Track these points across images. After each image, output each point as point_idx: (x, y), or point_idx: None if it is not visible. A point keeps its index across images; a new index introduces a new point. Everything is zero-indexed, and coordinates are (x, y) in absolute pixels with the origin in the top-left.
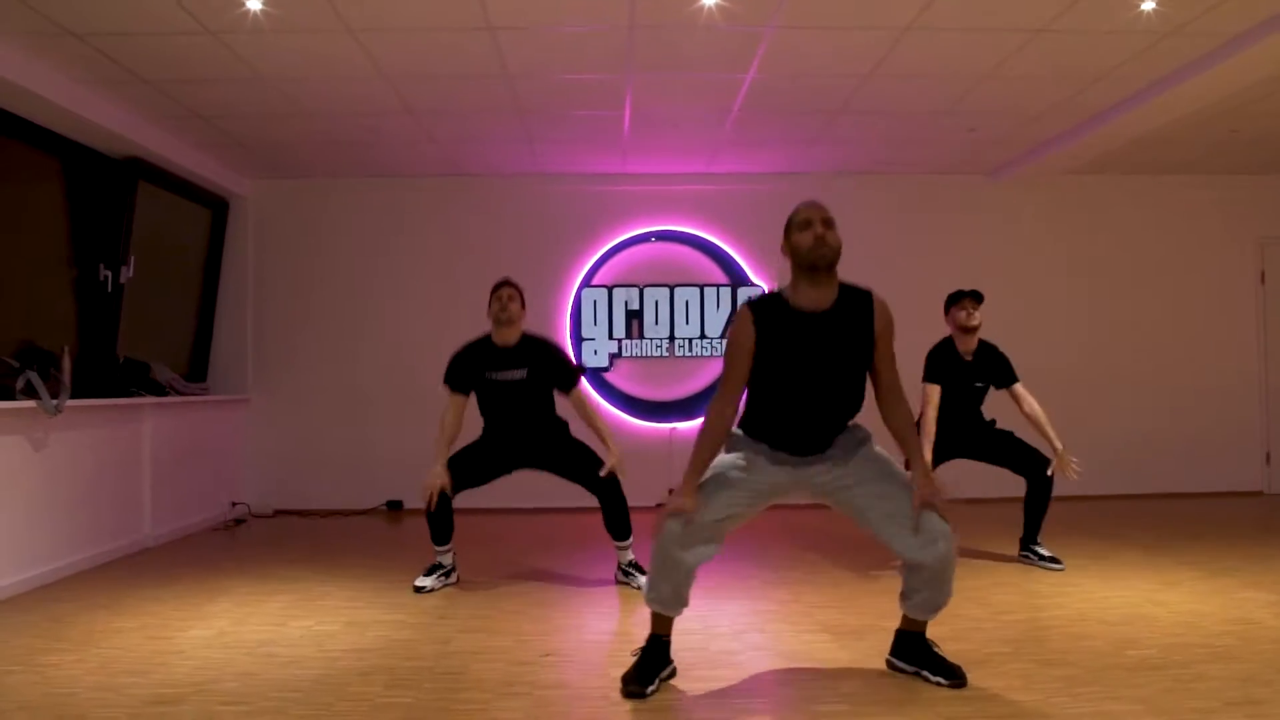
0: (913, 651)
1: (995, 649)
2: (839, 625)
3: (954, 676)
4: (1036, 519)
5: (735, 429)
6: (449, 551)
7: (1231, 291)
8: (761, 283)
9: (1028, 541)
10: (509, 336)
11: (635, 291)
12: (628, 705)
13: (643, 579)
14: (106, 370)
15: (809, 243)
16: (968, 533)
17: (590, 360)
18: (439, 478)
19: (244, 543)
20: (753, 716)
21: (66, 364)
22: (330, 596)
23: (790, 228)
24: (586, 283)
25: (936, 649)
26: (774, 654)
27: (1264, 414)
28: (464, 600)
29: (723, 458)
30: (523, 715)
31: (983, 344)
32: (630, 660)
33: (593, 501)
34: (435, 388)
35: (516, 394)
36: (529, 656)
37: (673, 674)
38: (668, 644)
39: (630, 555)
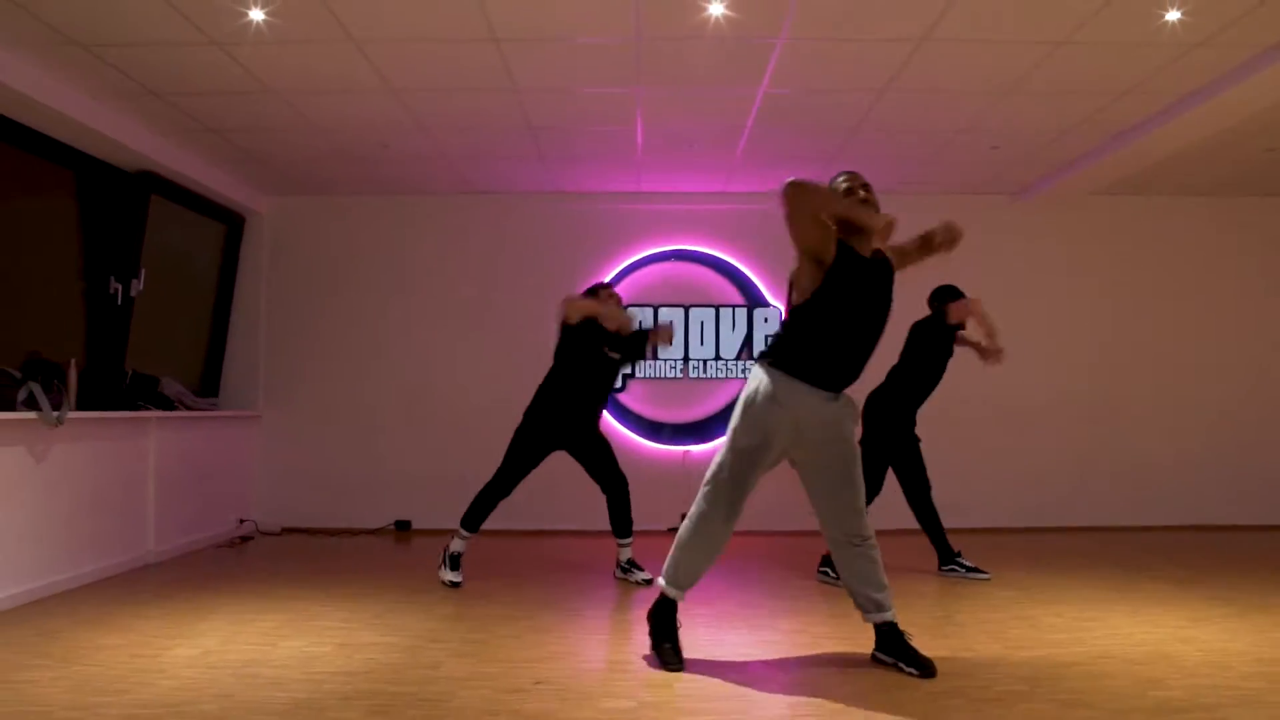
0: (889, 645)
1: (1010, 686)
2: (847, 657)
3: (924, 668)
4: (941, 533)
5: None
6: (468, 540)
7: (1270, 317)
8: (779, 304)
9: (948, 557)
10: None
11: (650, 311)
12: None
13: (641, 574)
14: (114, 383)
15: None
16: (976, 562)
17: None
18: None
19: (248, 561)
20: None
21: (71, 376)
22: (325, 617)
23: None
24: None
25: (908, 639)
26: (775, 685)
27: None
28: (459, 624)
29: (763, 420)
30: None
31: None
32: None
33: (592, 524)
34: (447, 406)
35: (610, 374)
36: (518, 684)
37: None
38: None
39: (629, 554)
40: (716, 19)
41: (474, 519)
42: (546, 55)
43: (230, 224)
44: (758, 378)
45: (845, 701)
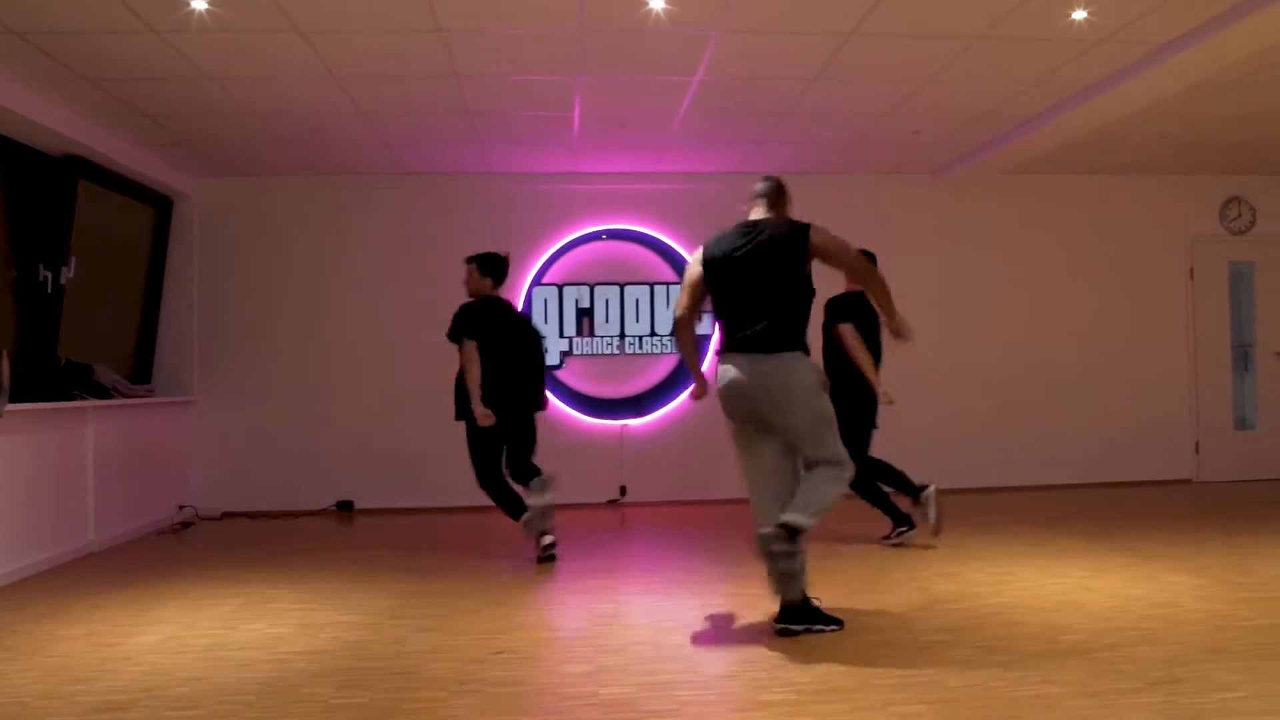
0: (798, 615)
1: (937, 636)
2: None
3: (837, 622)
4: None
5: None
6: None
7: (1163, 287)
8: None
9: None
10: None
11: (586, 290)
12: (578, 699)
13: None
14: (47, 373)
15: None
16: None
17: None
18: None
19: (192, 546)
20: (701, 708)
21: (5, 367)
22: (281, 599)
23: None
24: (537, 281)
25: (817, 603)
26: (723, 647)
27: (1193, 405)
28: (420, 601)
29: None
30: (474, 712)
31: None
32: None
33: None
34: (385, 385)
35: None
36: (482, 655)
37: (839, 626)
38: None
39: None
40: (657, 13)
41: (513, 507)
42: (490, 45)
43: (159, 207)
44: (806, 363)
45: (784, 653)
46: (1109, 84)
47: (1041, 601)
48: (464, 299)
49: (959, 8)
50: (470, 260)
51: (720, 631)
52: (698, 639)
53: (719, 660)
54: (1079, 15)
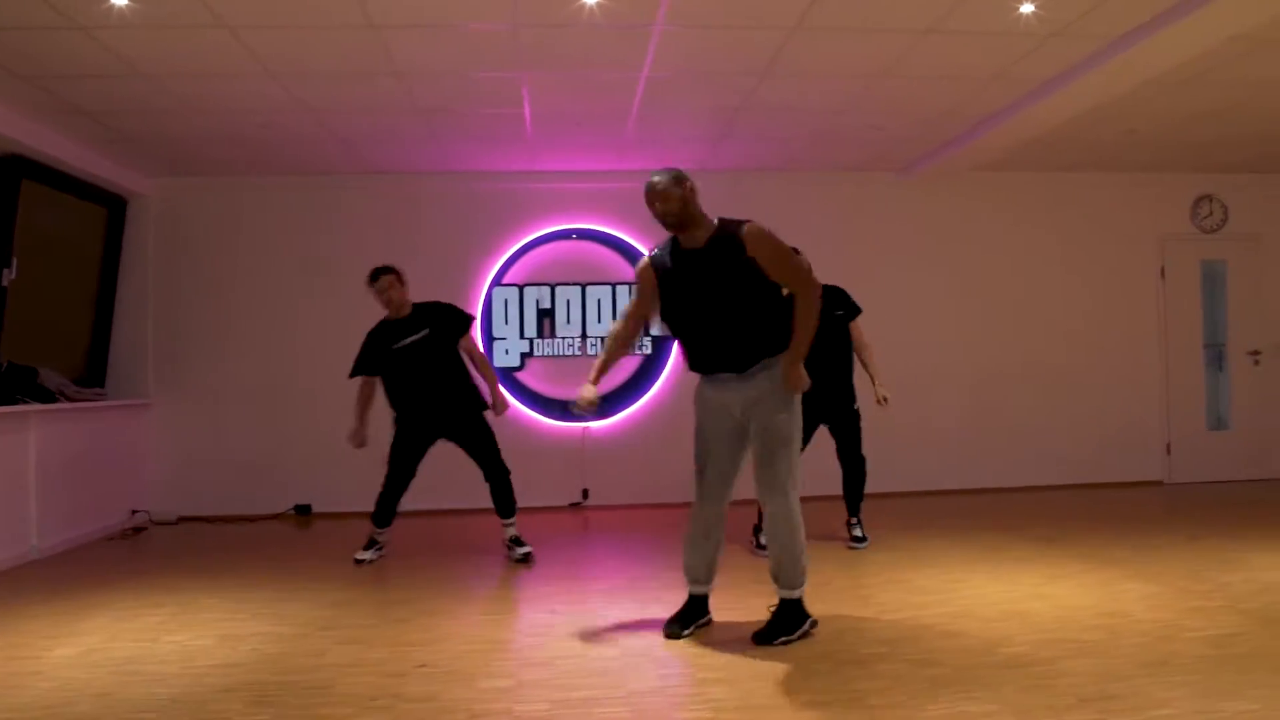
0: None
1: (872, 649)
2: (724, 626)
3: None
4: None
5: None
6: (386, 532)
7: (1134, 287)
8: None
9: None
10: (401, 311)
11: (547, 290)
12: (490, 717)
13: (520, 550)
14: None
15: (656, 215)
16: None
17: (501, 360)
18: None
19: (140, 552)
20: None
21: None
22: (214, 609)
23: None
24: (497, 281)
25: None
26: (651, 660)
27: (1164, 405)
28: (351, 610)
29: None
30: None
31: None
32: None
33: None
34: (344, 389)
35: (423, 356)
36: (403, 668)
37: (708, 623)
38: (704, 599)
39: (514, 530)
40: (590, 7)
41: (383, 516)
42: (426, 41)
43: (112, 207)
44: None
45: (715, 670)
46: (1065, 79)
47: (987, 611)
48: (424, 300)
49: (902, 1)
50: (391, 271)
51: (654, 643)
52: (628, 652)
53: (645, 674)
54: (1027, 9)
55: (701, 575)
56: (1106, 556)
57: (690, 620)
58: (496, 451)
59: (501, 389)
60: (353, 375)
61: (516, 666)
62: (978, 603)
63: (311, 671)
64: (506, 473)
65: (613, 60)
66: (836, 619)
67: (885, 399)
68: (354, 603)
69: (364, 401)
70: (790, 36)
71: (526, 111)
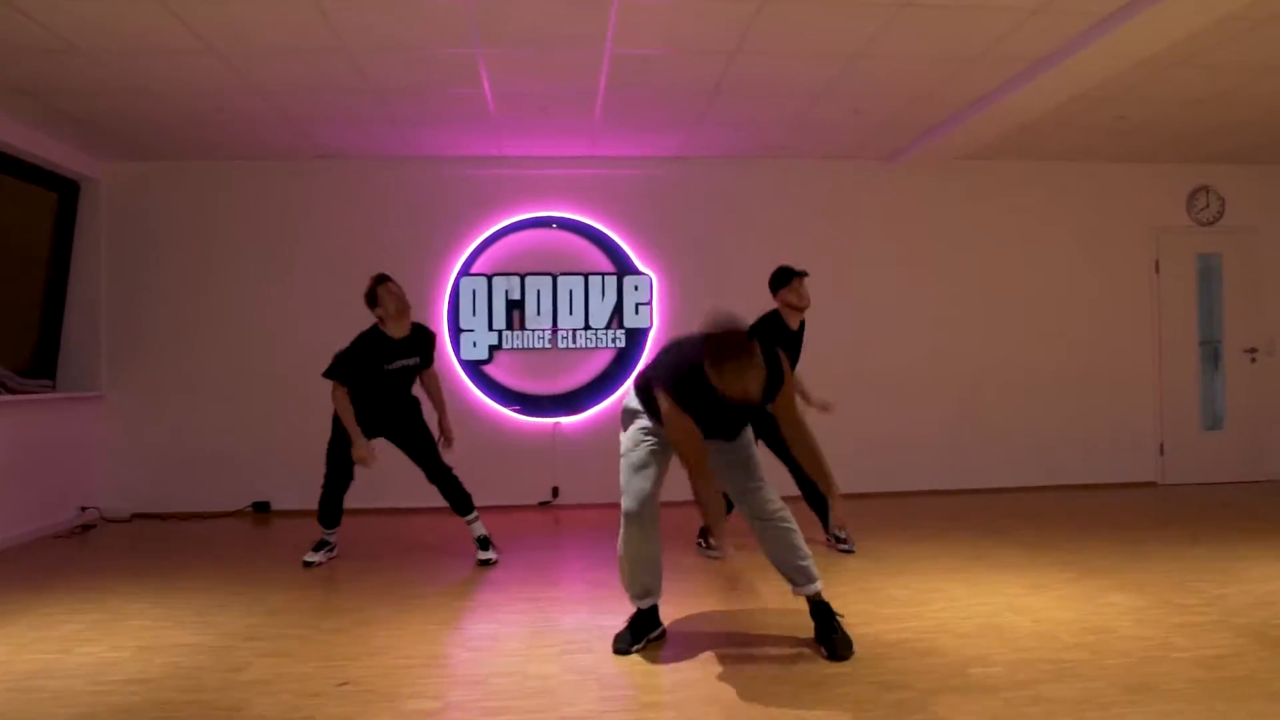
0: (816, 619)
1: (834, 669)
2: (674, 638)
3: (834, 650)
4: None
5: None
6: (335, 532)
7: (1127, 281)
8: (649, 271)
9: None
10: (403, 328)
11: (516, 280)
12: None
13: (484, 555)
14: None
15: (736, 394)
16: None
17: (469, 353)
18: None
19: (83, 552)
20: None
21: None
22: (140, 615)
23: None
24: (465, 271)
25: (837, 620)
26: (595, 679)
27: (1158, 404)
28: (283, 618)
29: (633, 432)
30: None
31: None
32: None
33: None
34: (306, 381)
35: (406, 381)
36: (324, 687)
37: (661, 635)
38: (654, 610)
39: (480, 529)
40: None
41: (329, 516)
42: (373, 12)
43: (63, 191)
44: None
45: (660, 692)
46: (1050, 62)
47: (962, 625)
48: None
49: None
50: (388, 280)
51: (602, 659)
52: (571, 669)
53: (585, 696)
54: None
55: (654, 586)
56: (1093, 564)
57: (641, 634)
58: (436, 452)
59: (449, 421)
60: (337, 380)
61: (446, 686)
62: (953, 616)
63: (224, 690)
64: (448, 469)
65: (572, 36)
66: (800, 633)
67: None
68: (290, 610)
69: (351, 414)
70: (760, 10)
71: (487, 91)
